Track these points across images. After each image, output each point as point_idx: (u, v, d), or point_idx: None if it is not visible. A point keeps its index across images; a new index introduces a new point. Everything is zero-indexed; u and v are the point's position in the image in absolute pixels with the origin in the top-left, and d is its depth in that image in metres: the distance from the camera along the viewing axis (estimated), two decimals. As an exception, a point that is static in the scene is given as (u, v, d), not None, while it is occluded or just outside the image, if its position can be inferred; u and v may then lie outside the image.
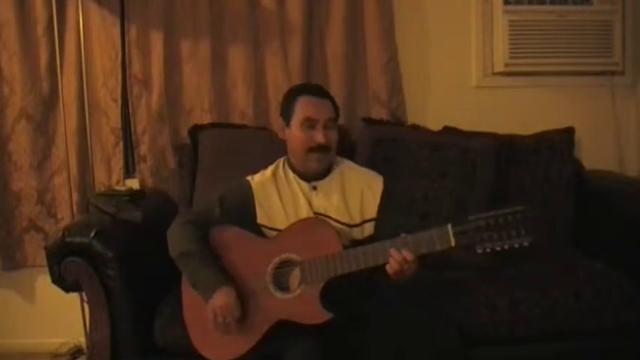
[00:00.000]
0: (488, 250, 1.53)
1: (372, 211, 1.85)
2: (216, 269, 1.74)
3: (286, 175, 1.89)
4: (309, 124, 1.79)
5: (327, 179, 1.86)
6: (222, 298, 1.69)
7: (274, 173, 1.90)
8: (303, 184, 1.86)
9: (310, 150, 1.80)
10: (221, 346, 1.74)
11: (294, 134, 1.82)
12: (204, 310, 1.75)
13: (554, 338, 1.98)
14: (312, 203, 1.84)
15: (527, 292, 1.98)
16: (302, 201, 1.84)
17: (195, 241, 1.78)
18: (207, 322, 1.74)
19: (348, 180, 1.87)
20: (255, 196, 1.86)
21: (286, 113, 1.85)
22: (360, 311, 1.73)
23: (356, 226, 1.84)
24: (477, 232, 1.53)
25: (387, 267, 1.62)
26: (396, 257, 1.60)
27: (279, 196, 1.86)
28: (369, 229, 1.85)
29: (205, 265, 1.74)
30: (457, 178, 2.34)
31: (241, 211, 1.86)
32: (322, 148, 1.80)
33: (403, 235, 1.63)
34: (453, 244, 1.57)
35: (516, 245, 1.51)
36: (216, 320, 1.70)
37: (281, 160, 1.93)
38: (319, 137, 1.78)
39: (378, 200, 1.86)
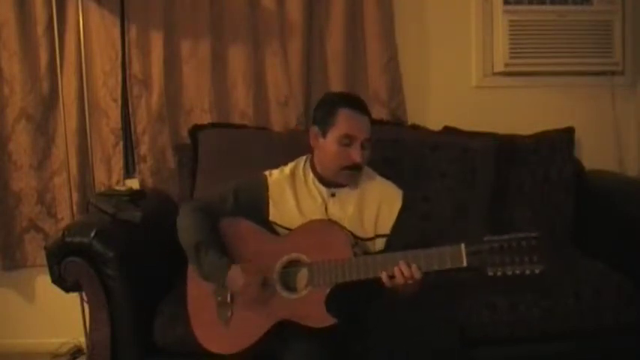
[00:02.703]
0: (499, 273, 1.52)
1: (385, 227, 1.82)
2: (220, 255, 1.72)
3: (305, 177, 1.85)
4: (348, 141, 1.75)
5: (346, 188, 1.83)
6: (238, 279, 1.68)
7: (293, 173, 1.86)
8: (323, 188, 1.83)
9: (344, 168, 1.77)
10: (223, 339, 1.74)
11: (329, 147, 1.77)
12: (208, 302, 1.75)
13: (554, 338, 1.98)
14: (328, 209, 1.81)
15: (527, 292, 1.99)
16: (318, 205, 1.81)
17: (204, 231, 1.76)
18: (211, 312, 1.74)
19: (368, 191, 1.84)
20: (270, 193, 1.83)
21: (323, 122, 1.78)
22: (364, 316, 1.73)
23: (368, 240, 1.82)
24: (490, 254, 1.53)
25: (384, 278, 1.61)
26: (405, 272, 1.59)
27: (295, 196, 1.82)
28: (380, 244, 1.82)
29: (211, 254, 1.72)
30: (457, 178, 2.34)
31: (254, 206, 1.83)
32: (356, 167, 1.77)
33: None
34: (465, 264, 1.56)
35: (527, 272, 1.51)
36: (247, 297, 1.69)
37: (302, 160, 1.89)
38: (356, 157, 1.74)
39: (394, 217, 1.82)
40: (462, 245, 1.57)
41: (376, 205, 1.83)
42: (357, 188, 1.83)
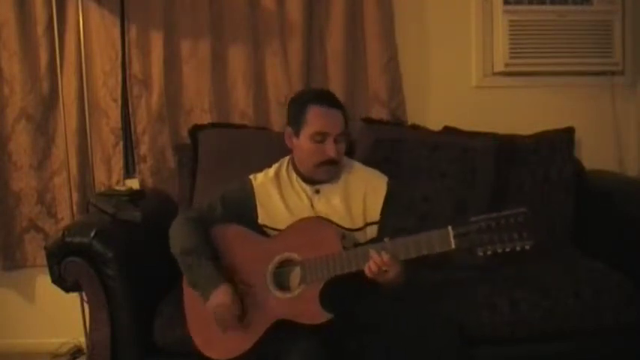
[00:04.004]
0: (489, 252, 1.52)
1: (374, 213, 1.84)
2: (214, 268, 1.73)
3: (289, 177, 1.87)
4: (320, 138, 1.76)
5: (330, 183, 1.84)
6: (220, 297, 1.68)
7: (277, 174, 1.88)
8: (306, 186, 1.85)
9: (320, 164, 1.78)
10: (221, 344, 1.75)
11: (303, 146, 1.79)
12: (205, 309, 1.75)
13: (554, 338, 1.98)
14: (315, 206, 1.83)
15: (527, 292, 1.99)
16: (305, 203, 1.83)
17: (195, 239, 1.78)
18: (208, 319, 1.75)
19: (352, 182, 1.85)
20: (257, 197, 1.85)
21: (295, 122, 1.80)
22: (359, 312, 1.73)
23: (358, 230, 1.83)
24: (478, 234, 1.53)
25: (365, 269, 1.63)
26: (376, 260, 1.61)
27: (281, 197, 1.84)
28: (371, 232, 1.83)
29: (203, 264, 1.73)
30: (457, 178, 2.34)
31: (243, 211, 1.85)
32: (332, 162, 1.78)
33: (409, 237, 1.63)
34: (453, 246, 1.56)
35: (517, 248, 1.50)
36: (216, 319, 1.70)
37: (285, 160, 1.91)
38: (330, 152, 1.76)
39: (381, 203, 1.84)
40: (449, 227, 1.57)
41: (362, 194, 1.84)
42: (339, 181, 1.85)
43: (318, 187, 1.84)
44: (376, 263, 1.61)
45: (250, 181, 1.88)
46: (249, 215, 1.85)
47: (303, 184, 1.85)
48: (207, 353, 1.77)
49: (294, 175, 1.87)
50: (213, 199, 1.89)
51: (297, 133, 1.80)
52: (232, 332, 1.73)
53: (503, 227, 1.51)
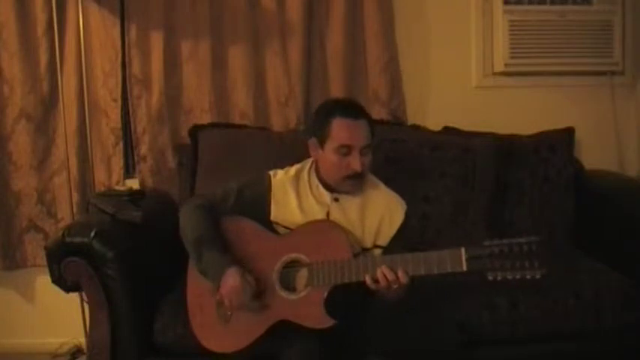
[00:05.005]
0: (499, 278, 1.52)
1: (385, 239, 1.81)
2: (222, 253, 1.71)
3: (310, 180, 1.84)
4: (346, 150, 1.72)
5: (351, 195, 1.81)
6: (229, 281, 1.66)
7: (298, 175, 1.85)
8: (326, 193, 1.81)
9: (346, 177, 1.75)
10: (222, 338, 1.74)
11: (328, 158, 1.75)
12: (207, 301, 1.74)
13: (554, 338, 1.98)
14: (330, 214, 1.80)
15: (527, 292, 1.98)
16: (321, 209, 1.80)
17: (205, 227, 1.76)
18: (210, 311, 1.74)
19: (372, 200, 1.82)
20: (273, 193, 1.82)
21: (319, 134, 1.76)
22: (363, 322, 1.72)
23: (366, 250, 1.80)
24: (490, 258, 1.53)
25: (371, 282, 1.61)
26: (389, 276, 1.59)
27: (297, 199, 1.81)
28: (377, 254, 1.81)
29: (212, 251, 1.71)
30: (457, 178, 2.34)
31: (256, 206, 1.82)
32: (357, 175, 1.75)
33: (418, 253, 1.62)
34: (465, 268, 1.56)
35: (528, 277, 1.51)
36: (230, 303, 1.68)
37: (308, 162, 1.88)
38: (356, 165, 1.72)
39: (394, 231, 1.81)
40: (462, 250, 1.56)
41: (379, 216, 1.81)
42: (361, 195, 1.82)
43: (337, 195, 1.81)
44: (387, 279, 1.59)
45: (269, 176, 1.85)
46: (262, 210, 1.82)
47: (324, 191, 1.82)
48: (208, 345, 1.76)
49: (315, 180, 1.83)
50: (227, 190, 1.85)
51: (321, 145, 1.77)
52: (234, 327, 1.72)
53: (516, 254, 1.51)
